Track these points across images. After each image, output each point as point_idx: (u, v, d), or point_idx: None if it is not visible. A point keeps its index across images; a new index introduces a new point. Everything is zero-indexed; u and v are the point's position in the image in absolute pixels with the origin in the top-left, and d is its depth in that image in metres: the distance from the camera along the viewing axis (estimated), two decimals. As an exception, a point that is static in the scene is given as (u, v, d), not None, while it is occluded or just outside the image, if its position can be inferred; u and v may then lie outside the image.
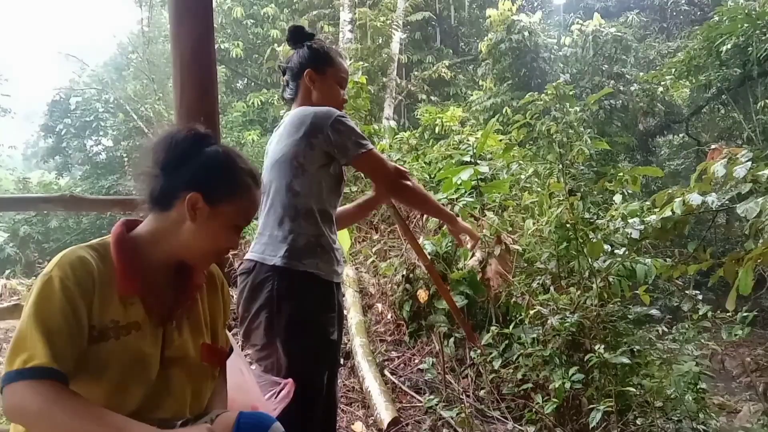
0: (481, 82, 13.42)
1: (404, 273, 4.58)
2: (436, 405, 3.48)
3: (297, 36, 2.20)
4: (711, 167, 2.81)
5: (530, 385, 3.44)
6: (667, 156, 13.70)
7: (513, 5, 12.23)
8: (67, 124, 16.09)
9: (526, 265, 4.24)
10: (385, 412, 3.37)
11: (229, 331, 1.64)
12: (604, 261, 3.44)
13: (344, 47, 11.61)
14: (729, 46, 9.58)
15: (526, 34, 11.87)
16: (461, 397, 3.62)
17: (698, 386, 3.16)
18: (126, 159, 14.15)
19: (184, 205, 1.29)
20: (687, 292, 3.68)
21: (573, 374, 3.10)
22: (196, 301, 1.44)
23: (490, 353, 3.75)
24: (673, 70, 11.45)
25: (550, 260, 3.90)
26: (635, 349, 3.19)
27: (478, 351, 3.82)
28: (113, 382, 1.22)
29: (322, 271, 1.96)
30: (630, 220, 3.30)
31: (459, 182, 5.06)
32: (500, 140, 6.81)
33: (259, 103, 14.27)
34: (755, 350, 6.89)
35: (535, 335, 3.48)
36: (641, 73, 12.56)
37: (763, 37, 9.26)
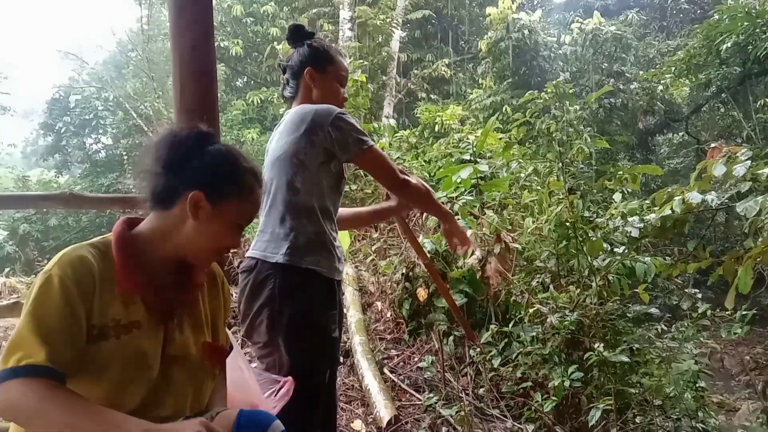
0: (480, 81, 13.42)
1: (404, 271, 4.58)
2: (436, 403, 3.49)
3: (297, 34, 2.20)
4: (710, 166, 2.81)
5: (529, 383, 3.44)
6: (666, 154, 13.71)
7: (513, 3, 12.23)
8: (67, 122, 16.07)
9: (525, 263, 4.24)
10: (384, 410, 3.37)
11: (229, 329, 1.65)
12: (604, 259, 3.44)
13: (344, 45, 11.59)
14: (729, 45, 9.59)
15: (526, 32, 11.88)
16: (460, 395, 3.62)
17: (697, 384, 3.16)
18: (125, 157, 14.14)
19: (186, 204, 1.29)
20: (686, 290, 3.68)
21: (572, 372, 3.10)
22: (197, 300, 1.44)
23: (490, 351, 3.76)
24: (673, 68, 11.46)
25: (550, 259, 3.91)
26: (634, 348, 3.19)
27: (478, 349, 3.82)
28: (114, 380, 1.22)
29: (324, 269, 1.96)
30: (629, 219, 3.30)
31: (459, 181, 5.06)
32: (500, 139, 6.81)
33: (259, 102, 14.27)
34: (754, 349, 6.90)
35: (534, 334, 3.49)
36: (641, 72, 12.57)
37: (763, 36, 9.26)
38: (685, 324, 3.46)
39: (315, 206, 1.96)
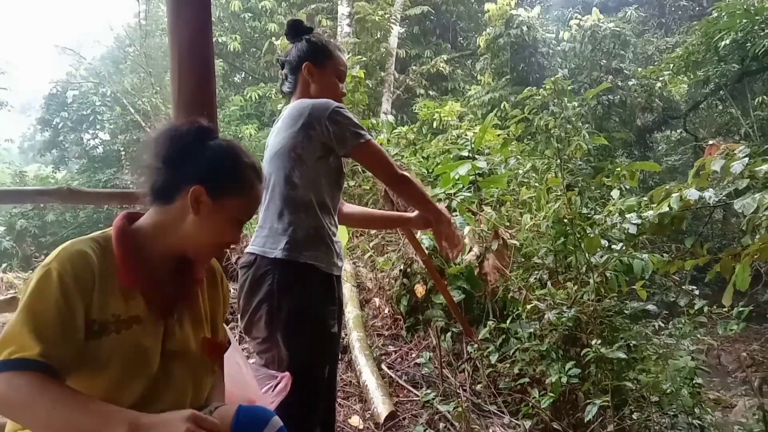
0: (479, 77, 13.40)
1: (402, 267, 4.59)
2: (433, 399, 3.49)
3: (296, 30, 2.20)
4: (708, 163, 2.82)
5: (527, 379, 3.45)
6: (664, 151, 13.71)
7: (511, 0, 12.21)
8: (64, 117, 16.04)
9: (523, 260, 4.25)
10: (382, 406, 3.38)
11: (226, 325, 1.65)
12: (602, 256, 3.44)
13: (342, 41, 11.56)
14: (727, 42, 9.60)
15: (525, 28, 11.87)
16: (458, 391, 3.62)
17: (694, 381, 3.17)
18: (123, 153, 14.09)
19: (186, 199, 1.29)
20: (684, 287, 3.69)
21: (569, 369, 3.11)
22: (197, 295, 1.44)
23: (487, 348, 3.76)
24: (672, 65, 11.46)
25: (548, 255, 3.91)
26: (632, 344, 3.20)
27: (475, 345, 3.83)
28: (114, 375, 1.22)
29: (323, 263, 1.96)
30: (627, 216, 3.31)
31: (457, 177, 5.06)
32: (498, 135, 6.81)
33: (257, 97, 14.25)
34: (751, 345, 6.93)
35: (532, 330, 3.49)
36: (639, 69, 12.57)
37: (762, 33, 9.26)
38: (682, 321, 3.47)
39: (313, 201, 1.96)
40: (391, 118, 11.64)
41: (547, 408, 3.15)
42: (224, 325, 1.58)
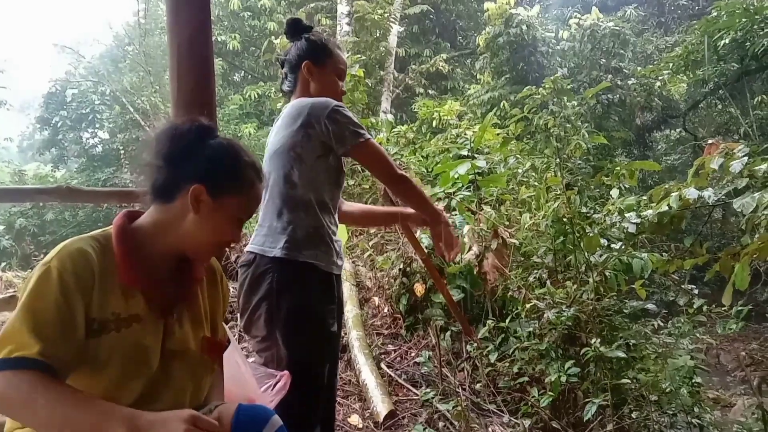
0: (478, 76, 13.39)
1: (401, 266, 4.59)
2: (433, 398, 3.49)
3: (295, 28, 2.20)
4: (708, 162, 2.82)
5: (526, 378, 3.45)
6: (664, 151, 13.71)
7: (511, -1, 12.21)
8: (63, 116, 16.02)
9: (522, 259, 4.25)
10: (381, 405, 3.38)
11: (225, 324, 1.65)
12: (601, 255, 3.44)
13: (341, 40, 11.54)
14: (727, 41, 9.60)
15: (524, 27, 11.86)
16: (457, 390, 3.63)
17: (693, 380, 3.17)
18: (122, 152, 14.07)
19: (187, 197, 1.29)
20: (683, 286, 3.69)
21: (569, 368, 3.11)
22: (197, 295, 1.44)
23: (487, 347, 3.76)
24: (671, 64, 11.46)
25: (547, 254, 3.91)
26: (631, 343, 3.20)
27: (475, 344, 3.83)
28: (114, 374, 1.22)
29: (322, 262, 1.96)
30: (626, 215, 3.31)
31: (456, 176, 5.05)
32: (498, 134, 6.80)
33: (256, 96, 14.23)
34: (750, 345, 6.93)
35: (531, 329, 3.49)
36: (639, 68, 12.57)
37: (761, 32, 9.27)
38: (681, 320, 3.47)
39: (312, 200, 1.96)
40: (390, 117, 11.63)
41: (546, 407, 3.15)
42: (224, 324, 1.58)
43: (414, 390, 3.74)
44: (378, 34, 12.97)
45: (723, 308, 3.12)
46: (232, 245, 1.48)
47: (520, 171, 5.46)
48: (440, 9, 16.02)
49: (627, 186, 4.17)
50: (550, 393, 3.13)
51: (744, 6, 9.35)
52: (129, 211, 1.37)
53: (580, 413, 3.02)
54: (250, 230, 2.90)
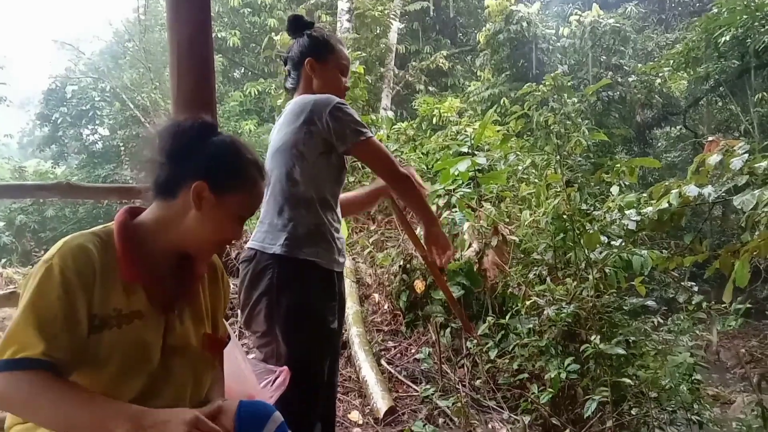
0: (479, 73, 13.39)
1: (401, 263, 4.59)
2: (433, 394, 3.50)
3: (297, 25, 2.19)
4: (708, 159, 2.82)
5: (526, 375, 3.46)
6: (664, 148, 13.70)
7: (511, -5, 12.19)
8: (63, 112, 15.99)
9: (522, 255, 4.26)
10: (381, 402, 3.38)
11: (226, 321, 1.65)
12: (601, 252, 3.45)
13: (342, 37, 11.53)
14: (727, 38, 9.58)
15: (525, 24, 11.84)
16: (457, 386, 3.63)
17: (693, 377, 3.18)
18: (123, 148, 14.06)
19: (189, 194, 1.29)
20: (683, 283, 3.70)
21: (568, 364, 3.12)
22: (198, 291, 1.44)
23: (486, 343, 3.77)
24: (671, 61, 11.45)
25: (547, 251, 3.92)
26: (630, 340, 3.21)
27: (475, 341, 3.84)
28: (115, 370, 1.22)
29: (323, 260, 1.96)
30: (626, 212, 3.31)
31: (456, 173, 5.06)
32: (498, 131, 6.80)
33: (256, 93, 14.21)
34: (749, 342, 6.93)
35: (531, 326, 3.50)
36: (639, 65, 12.55)
37: (762, 29, 9.25)
38: (681, 317, 3.48)
39: (314, 197, 1.96)
40: (390, 114, 11.64)
41: (546, 403, 3.16)
42: (224, 321, 1.58)
43: (414, 386, 3.74)
44: (378, 31, 12.95)
45: (722, 305, 3.12)
46: (233, 242, 1.48)
47: (520, 168, 5.46)
48: (440, 6, 15.99)
49: (627, 183, 4.17)
50: (550, 390, 3.14)
51: (745, 3, 9.34)
52: (130, 207, 1.37)
53: (580, 410, 3.03)
54: (250, 227, 2.91)
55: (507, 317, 3.69)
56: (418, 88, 13.94)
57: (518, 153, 5.75)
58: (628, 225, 3.24)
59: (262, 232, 1.97)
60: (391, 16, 13.02)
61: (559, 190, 3.77)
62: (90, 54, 18.06)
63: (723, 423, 3.53)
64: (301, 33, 2.17)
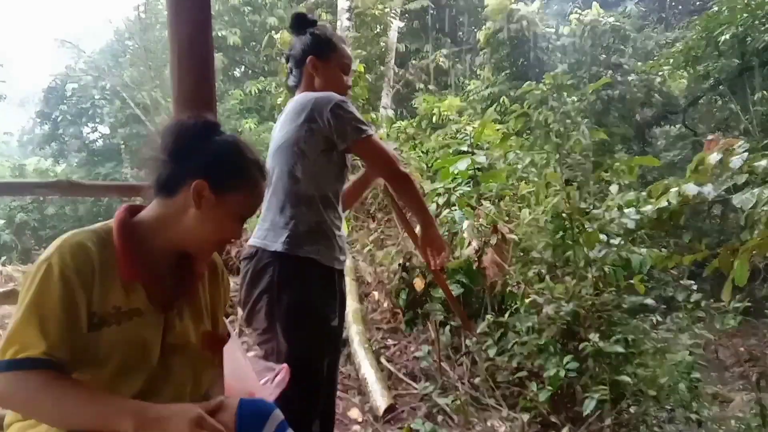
0: (479, 72, 13.37)
1: (401, 262, 4.60)
2: (432, 392, 3.51)
3: (300, 23, 2.19)
4: (707, 158, 2.82)
5: (525, 373, 3.46)
6: (663, 147, 13.67)
7: (511, -6, 12.18)
8: (63, 110, 16.02)
9: (522, 254, 4.25)
10: (381, 399, 3.39)
11: (226, 318, 1.65)
12: (600, 251, 3.45)
13: (342, 35, 11.48)
14: (727, 37, 9.56)
15: (525, 23, 11.83)
16: (456, 384, 3.64)
17: (692, 375, 3.19)
18: (123, 146, 14.08)
19: (190, 192, 1.29)
20: (682, 282, 3.70)
21: (567, 363, 3.12)
22: (198, 289, 1.44)
23: (486, 341, 3.77)
24: (671, 60, 11.44)
25: (546, 250, 3.91)
26: (629, 339, 3.21)
27: (474, 339, 3.84)
28: (114, 367, 1.22)
29: (323, 257, 1.97)
30: (626, 210, 3.31)
31: (456, 171, 5.06)
32: (498, 130, 6.80)
33: (257, 91, 14.19)
34: (749, 340, 6.93)
35: (530, 324, 3.50)
36: (639, 64, 12.53)
37: (762, 28, 9.24)
38: (680, 315, 3.48)
39: (315, 195, 1.97)
40: (390, 112, 11.63)
41: (545, 401, 3.16)
42: (224, 319, 1.58)
43: (413, 384, 3.75)
44: (378, 30, 12.95)
45: (722, 304, 3.12)
46: (232, 242, 1.48)
47: (519, 166, 5.45)
48: (440, 4, 15.98)
49: (626, 182, 4.17)
50: (549, 387, 3.15)
51: (745, 1, 9.32)
52: (130, 205, 1.37)
53: (579, 408, 3.04)
54: (251, 225, 2.91)
55: (506, 315, 3.69)
56: (418, 86, 13.93)
57: (518, 151, 5.74)
58: (627, 224, 3.24)
59: (263, 229, 1.98)
60: (391, 14, 13.02)
61: (558, 188, 3.77)
62: (90, 52, 18.07)
63: (722, 421, 3.53)
64: (304, 31, 2.17)
